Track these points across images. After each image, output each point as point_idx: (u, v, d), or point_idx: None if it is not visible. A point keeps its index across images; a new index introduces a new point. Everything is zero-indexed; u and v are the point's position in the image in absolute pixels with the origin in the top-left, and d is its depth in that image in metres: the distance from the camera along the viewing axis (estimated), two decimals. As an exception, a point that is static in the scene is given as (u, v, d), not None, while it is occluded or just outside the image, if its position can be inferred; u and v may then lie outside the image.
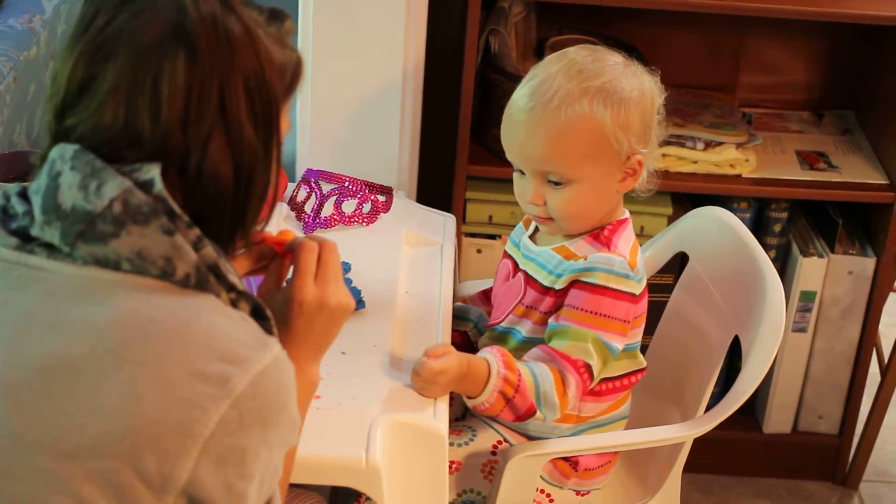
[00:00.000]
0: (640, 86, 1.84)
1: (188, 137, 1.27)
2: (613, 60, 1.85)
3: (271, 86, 1.32)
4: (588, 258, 1.85)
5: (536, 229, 1.98)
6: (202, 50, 1.27)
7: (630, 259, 1.87)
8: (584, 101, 1.80)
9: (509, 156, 1.88)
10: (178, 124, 1.27)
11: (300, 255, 1.53)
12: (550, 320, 1.87)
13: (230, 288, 1.31)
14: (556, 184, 1.84)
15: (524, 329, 1.92)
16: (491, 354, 1.83)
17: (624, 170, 1.85)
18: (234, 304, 1.32)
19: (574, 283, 1.85)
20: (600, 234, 1.89)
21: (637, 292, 1.87)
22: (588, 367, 1.84)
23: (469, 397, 1.84)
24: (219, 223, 1.32)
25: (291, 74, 1.39)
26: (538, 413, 1.83)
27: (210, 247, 1.29)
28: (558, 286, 1.87)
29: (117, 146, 1.28)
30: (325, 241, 1.55)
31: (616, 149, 1.82)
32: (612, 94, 1.81)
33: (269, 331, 1.34)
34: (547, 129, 1.81)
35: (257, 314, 1.34)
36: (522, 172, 1.87)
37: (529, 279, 1.93)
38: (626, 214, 1.93)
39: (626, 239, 1.90)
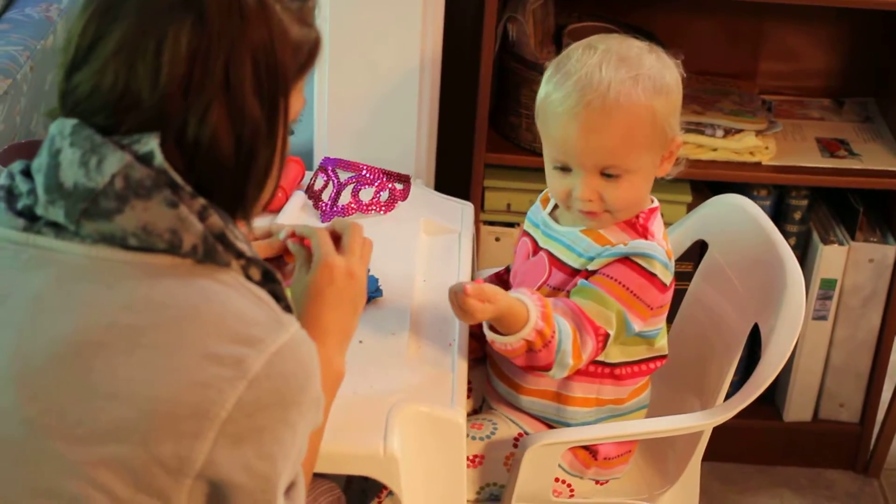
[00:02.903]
0: (671, 69, 1.85)
1: (188, 105, 1.25)
2: (642, 46, 1.85)
3: (281, 62, 1.30)
4: (629, 244, 1.84)
5: (556, 206, 1.97)
6: (212, 18, 1.25)
7: (666, 248, 1.87)
8: (638, 89, 1.79)
9: (559, 155, 1.85)
10: (179, 91, 1.25)
11: (320, 236, 1.59)
12: (580, 280, 1.86)
13: (239, 255, 1.30)
14: (611, 176, 1.82)
15: None
16: (531, 301, 1.79)
17: (663, 154, 1.86)
18: (244, 270, 1.31)
19: (616, 260, 1.84)
20: (635, 223, 1.87)
21: (668, 282, 1.86)
22: (606, 337, 1.83)
23: (493, 331, 1.81)
24: (218, 198, 1.30)
25: (307, 53, 1.36)
26: (552, 370, 1.82)
27: (216, 215, 1.28)
28: (591, 267, 1.86)
29: (116, 110, 1.26)
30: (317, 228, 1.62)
31: (667, 133, 1.83)
32: (657, 80, 1.81)
33: (280, 294, 1.33)
34: (610, 122, 1.79)
35: (267, 278, 1.32)
36: (565, 169, 1.85)
37: (555, 260, 1.92)
38: (656, 202, 1.93)
39: (658, 227, 1.90)
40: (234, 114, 1.27)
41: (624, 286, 1.83)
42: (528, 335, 1.78)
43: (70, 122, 1.27)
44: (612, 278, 1.83)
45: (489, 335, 1.81)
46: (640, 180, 1.85)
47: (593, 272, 1.85)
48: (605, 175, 1.82)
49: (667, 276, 1.85)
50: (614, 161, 1.81)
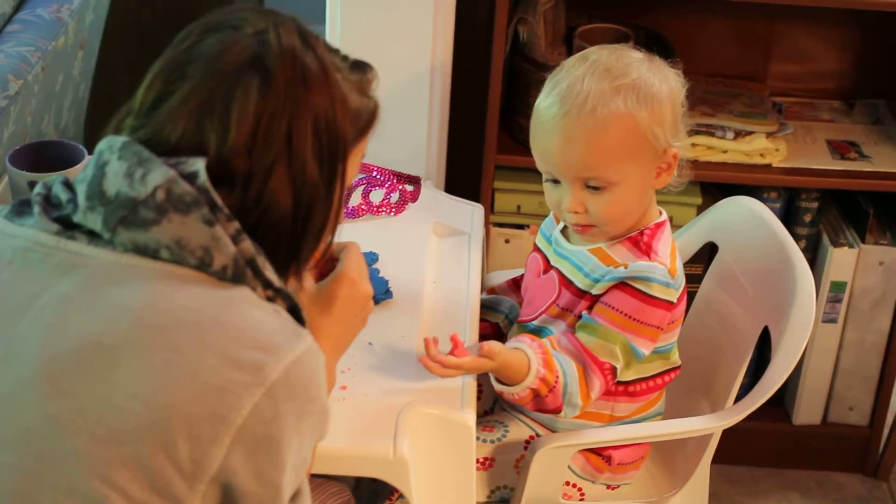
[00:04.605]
0: (665, 79, 1.82)
1: (252, 163, 1.30)
2: (636, 57, 1.83)
3: (341, 128, 1.35)
4: (629, 266, 1.83)
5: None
6: (277, 82, 1.30)
7: (670, 265, 1.85)
8: (617, 100, 1.77)
9: (544, 166, 1.85)
10: (244, 148, 1.29)
11: (350, 250, 1.63)
12: (584, 313, 1.86)
13: (267, 284, 1.32)
14: (596, 188, 1.81)
15: (557, 329, 1.90)
16: (532, 350, 1.82)
17: (659, 165, 1.83)
18: (270, 300, 1.33)
19: (615, 286, 1.84)
20: (640, 241, 1.86)
21: (675, 300, 1.85)
22: (613, 370, 1.83)
23: (500, 382, 1.83)
24: (273, 254, 1.34)
25: (366, 121, 1.42)
26: (562, 412, 1.84)
27: (249, 241, 1.30)
28: (595, 291, 1.85)
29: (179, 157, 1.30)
30: (350, 242, 1.64)
31: (654, 145, 1.80)
32: (643, 91, 1.78)
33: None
34: (586, 133, 1.78)
35: (293, 314, 1.35)
36: (555, 181, 1.85)
37: (564, 280, 1.91)
38: (664, 215, 1.91)
39: (665, 243, 1.87)
40: (294, 175, 1.32)
41: (624, 314, 1.82)
42: (532, 384, 1.80)
43: (120, 139, 1.31)
44: (611, 307, 1.83)
45: (497, 386, 1.84)
46: (627, 193, 1.82)
47: (597, 297, 1.85)
48: (590, 187, 1.81)
49: (670, 295, 1.83)
50: (594, 173, 1.80)
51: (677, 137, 1.84)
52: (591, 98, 1.77)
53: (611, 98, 1.77)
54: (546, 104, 1.82)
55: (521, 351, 1.81)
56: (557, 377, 1.81)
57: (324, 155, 1.34)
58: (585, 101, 1.77)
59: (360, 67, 1.43)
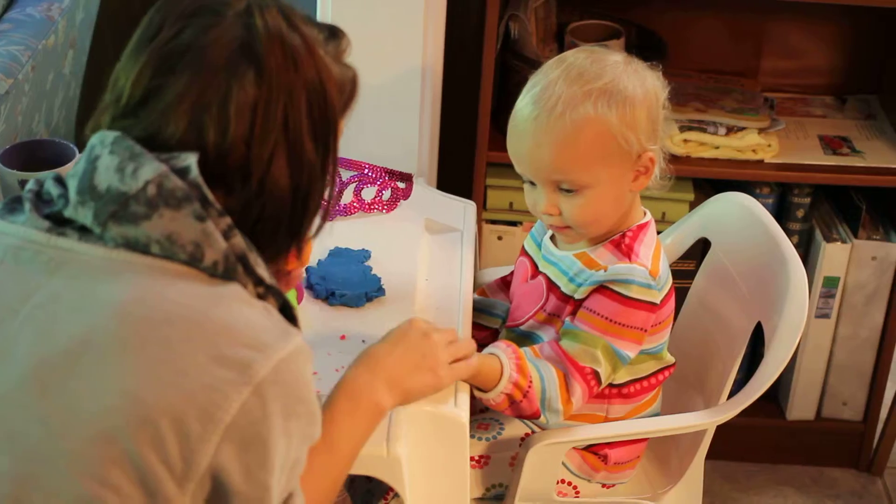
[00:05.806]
0: (642, 83, 1.81)
1: (251, 153, 1.29)
2: (613, 60, 1.81)
3: (331, 102, 1.35)
4: (608, 269, 1.82)
5: None
6: (269, 68, 1.29)
7: (651, 267, 1.83)
8: (587, 103, 1.76)
9: (518, 167, 1.85)
10: (243, 141, 1.29)
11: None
12: (566, 319, 1.86)
13: (258, 282, 1.32)
14: (569, 191, 1.81)
15: (546, 335, 1.90)
16: (505, 355, 1.81)
17: (636, 169, 1.82)
18: (261, 298, 1.33)
19: (595, 290, 1.83)
20: (621, 243, 1.85)
21: (658, 301, 1.84)
22: (595, 374, 1.82)
23: (478, 389, 1.82)
24: (273, 237, 1.34)
25: (350, 90, 1.41)
26: (542, 417, 1.83)
27: (240, 237, 1.30)
28: (578, 296, 1.85)
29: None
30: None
31: (626, 149, 1.79)
32: (615, 95, 1.77)
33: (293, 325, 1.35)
34: (554, 137, 1.77)
35: (284, 312, 1.34)
36: (533, 183, 1.85)
37: (551, 284, 1.90)
38: (647, 216, 1.90)
39: (647, 245, 1.86)
40: (293, 158, 1.32)
41: (604, 317, 1.82)
42: (506, 388, 1.79)
43: (112, 134, 1.30)
44: (592, 311, 1.82)
45: (476, 393, 1.83)
46: (600, 196, 1.81)
47: (580, 302, 1.84)
48: (563, 189, 1.81)
49: (651, 296, 1.82)
50: (563, 176, 1.80)
51: (654, 141, 1.82)
52: (562, 102, 1.77)
53: (580, 102, 1.76)
54: (520, 106, 1.82)
55: (494, 356, 1.81)
56: (531, 382, 1.80)
57: (318, 133, 1.33)
58: (556, 104, 1.77)
59: (334, 35, 1.40)
